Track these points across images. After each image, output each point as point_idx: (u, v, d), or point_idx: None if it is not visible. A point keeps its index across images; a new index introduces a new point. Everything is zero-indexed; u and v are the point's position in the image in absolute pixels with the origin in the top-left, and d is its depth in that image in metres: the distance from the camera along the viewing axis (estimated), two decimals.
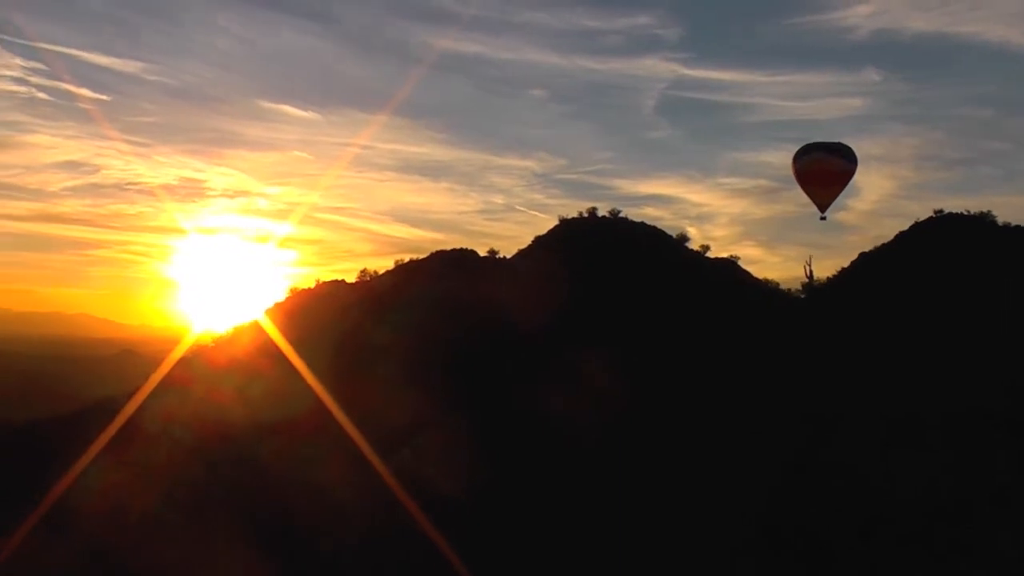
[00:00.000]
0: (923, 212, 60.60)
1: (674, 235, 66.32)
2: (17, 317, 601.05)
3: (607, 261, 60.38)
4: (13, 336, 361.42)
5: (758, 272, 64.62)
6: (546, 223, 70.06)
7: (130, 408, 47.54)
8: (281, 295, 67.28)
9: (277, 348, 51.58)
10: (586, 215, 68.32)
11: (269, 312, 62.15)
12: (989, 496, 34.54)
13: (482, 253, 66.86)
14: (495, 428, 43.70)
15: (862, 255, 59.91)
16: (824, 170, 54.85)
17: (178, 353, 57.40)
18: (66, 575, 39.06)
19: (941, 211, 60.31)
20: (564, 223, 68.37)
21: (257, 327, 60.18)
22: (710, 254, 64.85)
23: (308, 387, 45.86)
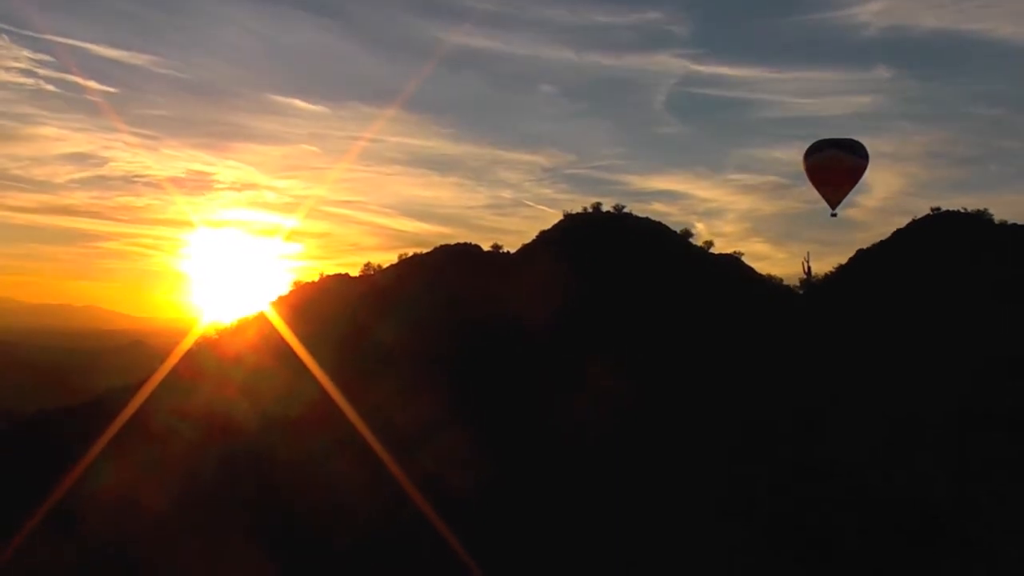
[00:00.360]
0: (946, 209, 60.41)
1: (679, 231, 66.49)
2: (26, 309, 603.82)
3: (611, 257, 60.44)
4: (23, 328, 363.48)
5: (766, 268, 64.82)
6: (554, 218, 70.07)
7: (135, 402, 47.83)
8: (285, 288, 67.82)
9: (280, 342, 51.97)
10: (591, 210, 68.44)
11: (273, 306, 62.47)
12: (986, 494, 34.67)
13: (488, 248, 67.34)
14: (498, 425, 43.89)
15: (860, 252, 60.14)
16: (835, 167, 54.62)
17: (184, 346, 57.78)
18: (73, 572, 39.47)
19: (939, 209, 60.63)
20: (568, 218, 68.39)
21: (260, 320, 60.61)
22: (717, 250, 65.17)
23: (311, 382, 46.18)
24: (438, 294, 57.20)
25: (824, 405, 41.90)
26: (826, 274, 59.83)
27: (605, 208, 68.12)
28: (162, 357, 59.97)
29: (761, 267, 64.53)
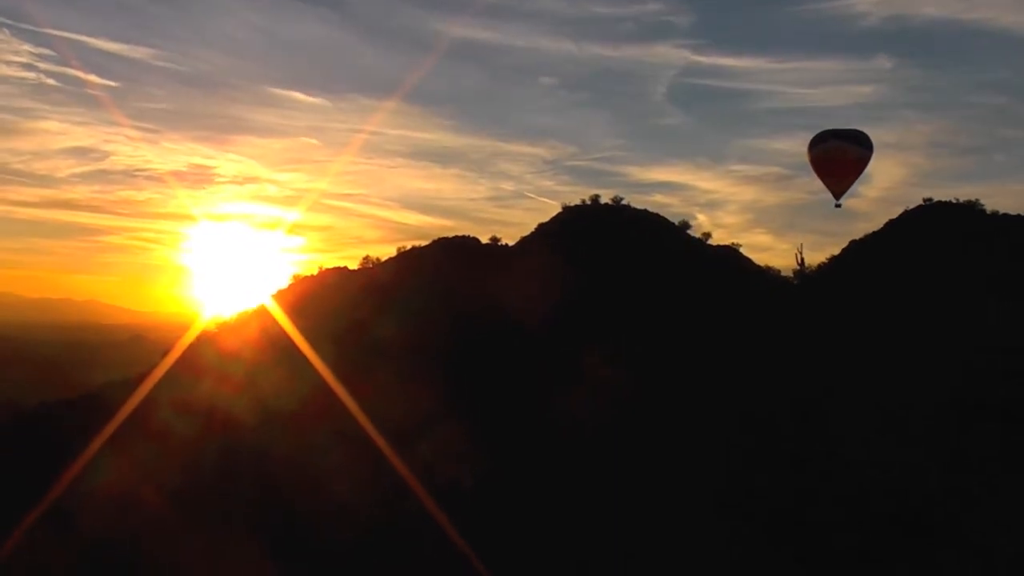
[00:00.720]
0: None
1: (677, 222, 66.61)
2: (28, 303, 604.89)
3: (608, 249, 60.61)
4: (24, 322, 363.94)
5: (768, 259, 65.08)
6: (555, 210, 70.13)
7: (135, 396, 47.87)
8: (284, 282, 67.89)
9: (278, 336, 52.06)
10: (589, 203, 68.52)
11: (271, 299, 62.54)
12: (979, 485, 34.83)
13: (486, 241, 67.53)
14: (494, 418, 44.00)
15: (852, 242, 60.47)
16: (840, 158, 54.41)
17: (183, 341, 57.91)
18: (72, 569, 39.60)
19: (931, 199, 61.03)
20: (567, 211, 68.53)
21: (259, 314, 60.73)
22: (719, 241, 65.53)
23: (309, 376, 46.28)
24: (436, 287, 57.31)
25: (818, 396, 42.02)
26: (819, 265, 60.06)
27: (603, 200, 68.26)
28: (162, 351, 60.22)
29: (763, 258, 64.92)
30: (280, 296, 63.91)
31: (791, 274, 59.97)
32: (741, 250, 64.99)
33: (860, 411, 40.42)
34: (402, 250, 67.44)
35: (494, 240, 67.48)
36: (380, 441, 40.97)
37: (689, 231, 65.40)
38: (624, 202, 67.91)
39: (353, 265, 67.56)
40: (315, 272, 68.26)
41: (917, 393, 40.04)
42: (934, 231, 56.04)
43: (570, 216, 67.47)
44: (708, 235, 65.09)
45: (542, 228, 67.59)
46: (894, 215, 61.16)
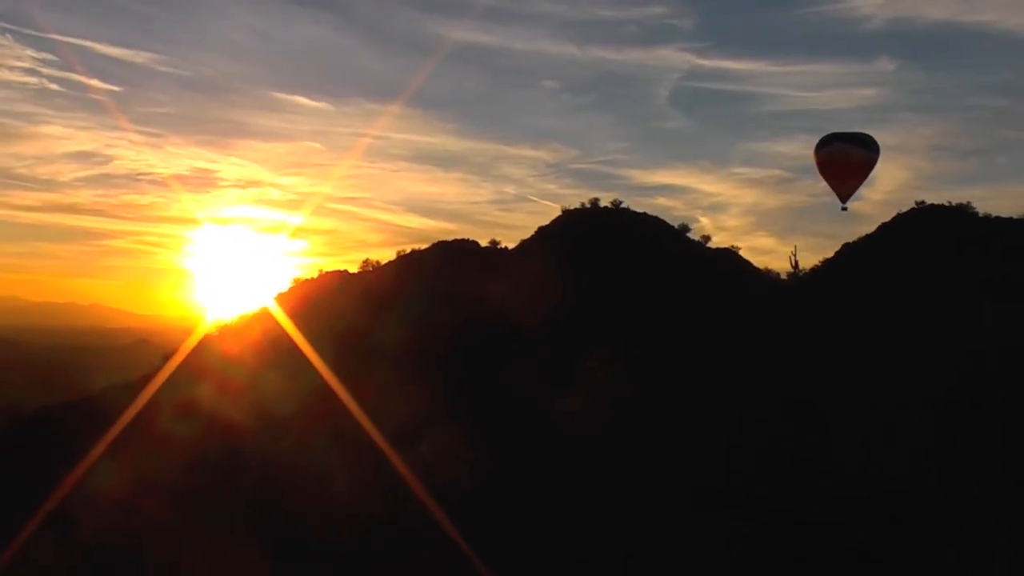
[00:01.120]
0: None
1: (676, 225, 66.76)
2: (32, 307, 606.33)
3: (608, 252, 60.74)
4: (27, 326, 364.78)
5: (770, 262, 65.16)
6: (558, 213, 70.48)
7: (138, 400, 47.96)
8: (285, 286, 68.20)
9: (278, 340, 52.33)
10: (588, 206, 68.69)
11: (272, 303, 62.83)
12: (977, 484, 35.00)
13: (486, 244, 67.80)
14: (492, 421, 44.17)
15: (845, 245, 60.64)
16: (846, 160, 54.56)
17: (184, 344, 58.19)
18: (72, 571, 39.76)
19: (923, 202, 61.20)
20: (566, 214, 68.69)
21: (259, 318, 61.01)
22: (722, 244, 65.79)
23: (307, 379, 46.51)
24: (435, 290, 57.56)
25: (815, 397, 42.17)
26: (813, 267, 60.31)
27: (603, 204, 68.40)
28: (164, 355, 60.52)
29: (765, 261, 65.23)
30: (280, 299, 64.19)
31: (784, 277, 60.22)
32: (742, 253, 65.21)
33: (857, 411, 40.59)
34: (402, 253, 67.83)
35: (493, 243, 67.79)
36: (380, 443, 41.15)
37: (688, 234, 65.57)
38: (623, 205, 68.09)
39: (355, 269, 67.97)
40: (315, 275, 68.74)
41: (914, 393, 40.21)
42: (927, 234, 56.21)
43: (570, 219, 67.58)
44: (707, 238, 65.26)
45: (541, 231, 67.74)
46: None
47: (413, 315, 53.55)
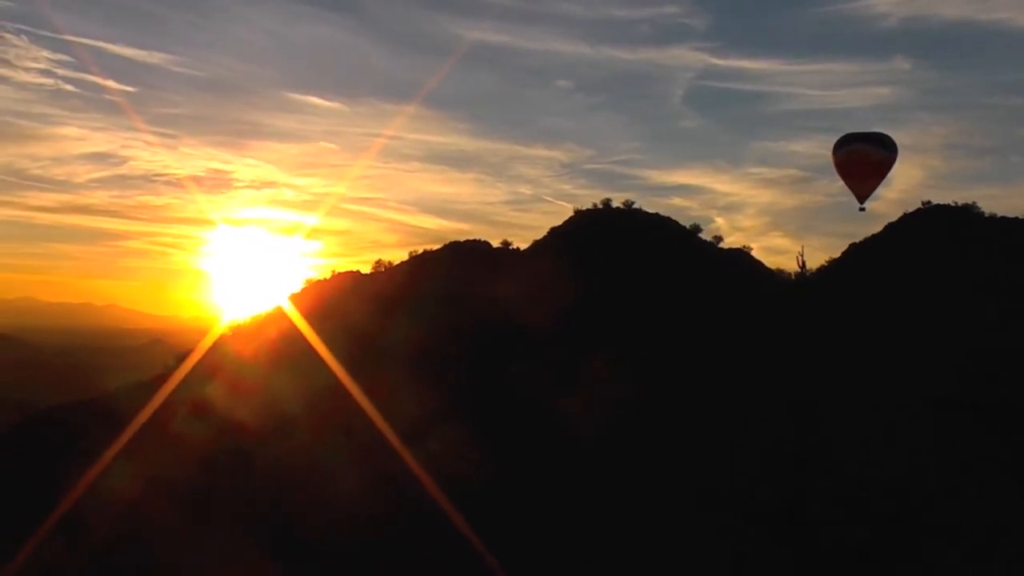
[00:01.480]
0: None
1: (688, 226, 66.52)
2: (47, 308, 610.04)
3: (619, 253, 60.68)
4: (43, 327, 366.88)
5: (785, 262, 64.77)
6: (571, 214, 70.43)
7: (152, 401, 48.07)
8: (298, 286, 68.36)
9: (289, 339, 52.46)
10: (600, 206, 68.54)
11: (284, 304, 62.96)
12: (977, 484, 34.86)
13: (498, 244, 67.83)
14: (499, 421, 44.24)
15: (852, 245, 60.54)
16: (864, 160, 54.43)
17: (199, 345, 58.41)
18: (82, 571, 39.90)
19: (929, 202, 61.04)
20: (579, 214, 68.63)
21: (271, 319, 61.19)
22: (737, 243, 66.10)
23: (318, 378, 46.58)
24: (446, 291, 57.62)
25: (818, 397, 42.01)
26: (819, 267, 60.08)
27: (615, 204, 68.29)
28: (177, 355, 60.75)
29: (780, 261, 65.07)
30: (293, 300, 64.33)
31: (792, 277, 60.06)
32: (757, 253, 65.17)
33: (858, 411, 40.46)
34: (414, 254, 67.97)
35: (505, 244, 67.84)
36: (388, 443, 41.18)
37: (700, 235, 65.33)
38: (635, 206, 67.97)
39: (367, 269, 68.09)
40: (327, 276, 68.91)
41: (915, 393, 40.10)
42: (932, 234, 56.01)
43: (581, 220, 67.60)
44: (719, 238, 65.15)
45: (554, 232, 67.68)
46: None
47: (423, 316, 53.63)
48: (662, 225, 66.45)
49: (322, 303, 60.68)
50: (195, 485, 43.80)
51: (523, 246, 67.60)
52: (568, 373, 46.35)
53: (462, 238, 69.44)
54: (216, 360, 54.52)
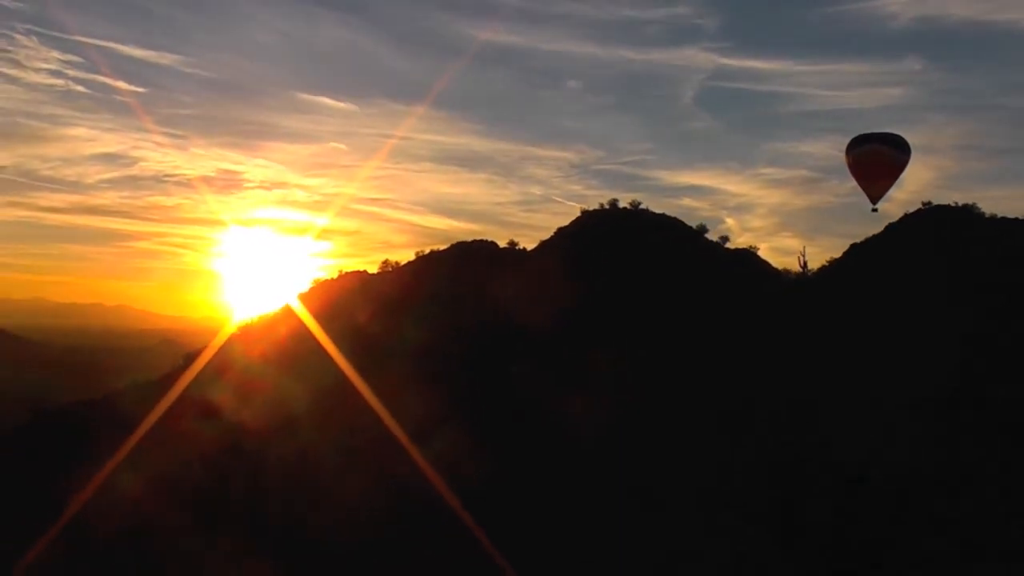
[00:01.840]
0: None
1: (695, 226, 66.58)
2: (57, 308, 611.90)
3: (626, 253, 60.81)
4: (52, 326, 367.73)
5: (792, 263, 64.55)
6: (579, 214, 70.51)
7: (153, 402, 48.31)
8: (305, 286, 68.60)
9: (294, 339, 52.77)
10: (607, 207, 68.63)
11: (291, 303, 63.24)
12: (975, 483, 34.94)
13: (504, 245, 68.04)
14: (501, 420, 44.46)
15: (853, 246, 60.50)
16: (878, 161, 54.26)
17: (209, 345, 58.78)
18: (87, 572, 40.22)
19: (929, 203, 60.94)
20: (585, 215, 68.71)
21: (278, 318, 61.49)
22: (747, 244, 66.58)
23: (323, 377, 46.84)
24: (450, 291, 57.85)
25: (818, 396, 42.10)
26: (820, 267, 60.17)
27: (622, 204, 68.42)
28: (186, 355, 61.07)
29: (790, 261, 64.59)
30: (300, 300, 64.54)
31: (793, 277, 60.11)
32: (767, 254, 65.28)
33: (858, 411, 40.49)
34: (420, 254, 68.19)
35: (511, 244, 68.00)
36: (392, 442, 41.38)
37: (707, 235, 65.42)
38: (642, 206, 68.04)
39: (375, 270, 68.33)
40: (335, 276, 69.15)
41: (914, 392, 40.09)
42: (933, 234, 56.00)
43: (588, 220, 67.67)
44: (725, 238, 65.22)
45: (560, 232, 67.82)
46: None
47: (428, 315, 53.91)
48: (668, 225, 66.51)
49: (328, 303, 60.90)
50: (202, 484, 44.11)
51: (530, 246, 67.89)
52: (569, 373, 46.52)
53: (471, 239, 69.74)
54: (224, 360, 54.76)
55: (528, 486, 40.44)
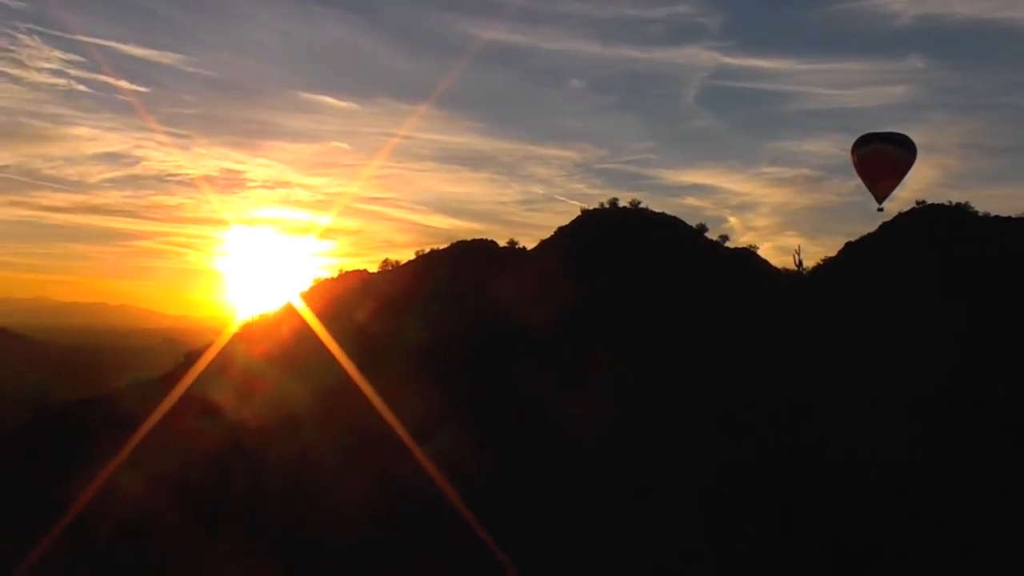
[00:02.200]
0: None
1: (695, 225, 66.56)
2: (60, 307, 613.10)
3: (625, 252, 60.81)
4: (55, 326, 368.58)
5: (793, 262, 64.55)
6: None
7: (154, 400, 48.35)
8: (306, 285, 68.68)
9: (295, 338, 52.83)
10: (607, 206, 68.58)
11: (291, 302, 63.31)
12: (974, 482, 34.98)
13: (504, 244, 68.05)
14: (500, 420, 44.50)
15: (848, 244, 60.47)
16: (883, 160, 54.31)
17: (207, 345, 58.85)
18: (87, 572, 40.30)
19: (924, 202, 60.87)
20: (585, 214, 68.68)
21: (279, 317, 61.55)
22: (749, 243, 66.31)
23: (324, 378, 46.88)
24: (450, 290, 57.90)
25: (815, 395, 42.14)
26: (815, 266, 60.15)
27: (622, 204, 68.39)
28: (187, 354, 61.13)
29: (790, 261, 64.24)
30: (301, 299, 64.59)
31: (789, 276, 60.15)
32: (769, 252, 65.18)
33: (856, 410, 40.52)
34: (420, 253, 68.21)
35: (511, 243, 67.98)
36: (393, 441, 41.46)
37: (707, 234, 65.36)
38: (643, 206, 68.03)
39: (377, 269, 68.35)
40: (335, 275, 69.19)
41: (911, 391, 40.11)
42: (927, 233, 56.01)
43: (588, 220, 67.65)
44: (725, 238, 65.17)
45: (560, 231, 67.82)
46: None
47: (429, 315, 53.93)
48: (668, 225, 66.50)
49: (329, 302, 60.96)
50: (203, 484, 44.15)
51: (531, 246, 67.88)
52: (570, 373, 46.56)
53: (475, 238, 69.76)
54: (225, 359, 54.83)
55: (529, 486, 40.48)
